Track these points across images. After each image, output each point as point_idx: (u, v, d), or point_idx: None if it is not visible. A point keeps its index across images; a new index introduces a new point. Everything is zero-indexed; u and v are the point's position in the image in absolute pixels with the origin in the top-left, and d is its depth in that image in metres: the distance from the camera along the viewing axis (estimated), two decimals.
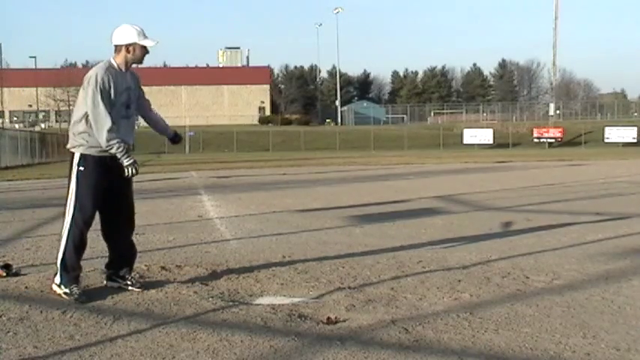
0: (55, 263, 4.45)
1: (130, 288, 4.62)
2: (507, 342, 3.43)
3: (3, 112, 71.46)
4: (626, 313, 3.98)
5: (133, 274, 4.74)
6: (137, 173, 4.40)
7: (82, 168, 4.40)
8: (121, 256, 4.70)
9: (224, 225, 8.17)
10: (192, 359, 3.22)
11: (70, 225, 4.39)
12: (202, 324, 3.75)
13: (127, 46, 4.43)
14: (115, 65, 4.44)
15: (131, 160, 4.36)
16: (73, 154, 4.45)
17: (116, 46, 4.47)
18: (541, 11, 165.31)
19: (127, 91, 4.48)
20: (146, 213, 9.59)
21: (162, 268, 5.29)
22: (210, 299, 4.29)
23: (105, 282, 4.72)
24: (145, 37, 4.48)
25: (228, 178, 18.74)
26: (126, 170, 4.37)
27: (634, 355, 3.25)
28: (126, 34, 4.44)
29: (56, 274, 4.43)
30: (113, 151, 4.31)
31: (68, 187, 4.45)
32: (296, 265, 5.45)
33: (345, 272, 5.16)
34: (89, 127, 4.36)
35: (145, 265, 5.35)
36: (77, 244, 4.39)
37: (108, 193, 4.47)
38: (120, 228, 4.66)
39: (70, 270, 4.38)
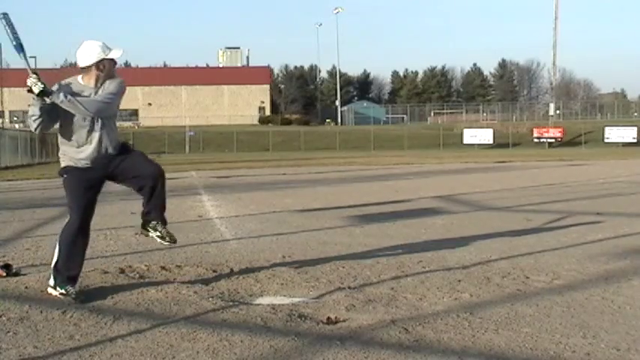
0: (50, 266, 4.48)
1: (159, 241, 4.67)
2: (507, 342, 3.43)
3: (3, 112, 71.32)
4: (626, 313, 3.98)
5: (163, 227, 4.68)
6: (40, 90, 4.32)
7: (65, 175, 4.50)
8: None
9: (224, 225, 8.17)
10: (192, 359, 3.22)
11: (64, 229, 4.43)
12: (202, 324, 3.75)
13: (98, 64, 4.39)
14: (80, 82, 4.41)
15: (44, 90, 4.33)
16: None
17: (84, 67, 4.42)
18: (541, 11, 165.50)
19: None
20: None
21: (162, 268, 5.29)
22: (210, 299, 4.29)
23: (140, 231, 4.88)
24: (110, 48, 4.44)
25: (228, 178, 18.74)
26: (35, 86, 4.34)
27: (634, 355, 3.25)
28: (92, 53, 4.38)
29: (50, 276, 4.45)
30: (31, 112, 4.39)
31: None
32: (296, 265, 5.45)
33: (345, 272, 5.16)
34: (62, 141, 4.44)
35: (145, 265, 5.36)
36: (70, 248, 4.39)
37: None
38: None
39: (64, 271, 4.37)
